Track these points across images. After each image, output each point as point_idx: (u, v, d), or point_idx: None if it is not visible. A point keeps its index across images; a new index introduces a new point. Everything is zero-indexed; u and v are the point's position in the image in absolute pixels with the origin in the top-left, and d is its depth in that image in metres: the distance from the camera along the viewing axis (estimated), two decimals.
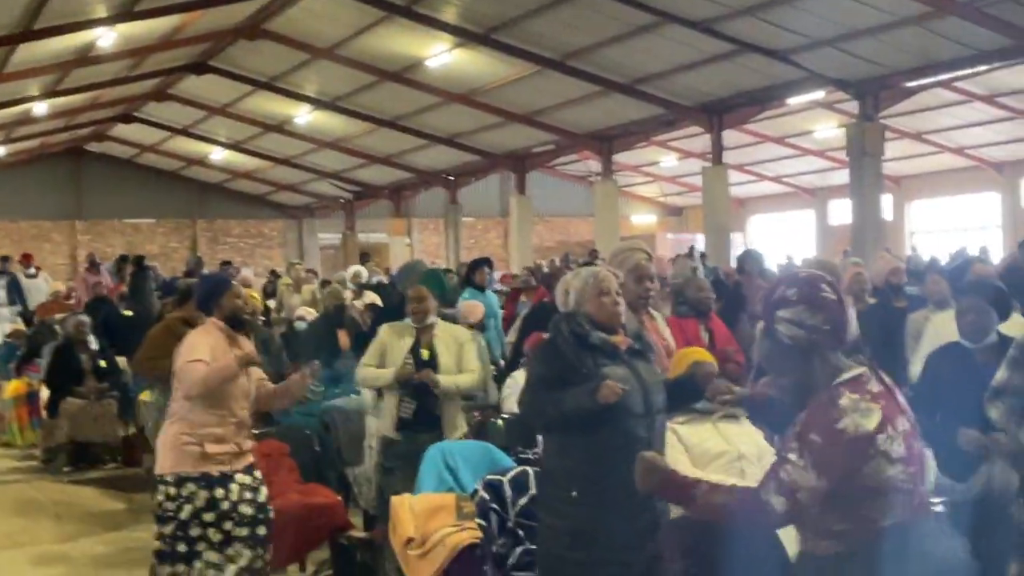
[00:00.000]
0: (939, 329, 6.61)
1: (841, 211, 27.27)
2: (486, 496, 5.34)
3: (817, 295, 3.17)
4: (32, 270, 19.46)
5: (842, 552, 3.03)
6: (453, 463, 6.08)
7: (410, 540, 5.40)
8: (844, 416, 2.97)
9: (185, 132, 28.14)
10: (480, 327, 10.40)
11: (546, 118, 22.59)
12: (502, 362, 10.92)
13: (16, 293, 18.20)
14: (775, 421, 4.84)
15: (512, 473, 5.46)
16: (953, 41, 15.23)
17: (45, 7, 14.35)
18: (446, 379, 6.65)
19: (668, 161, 30.27)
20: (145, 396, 9.82)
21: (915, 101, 19.52)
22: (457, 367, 6.77)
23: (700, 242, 23.86)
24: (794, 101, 20.21)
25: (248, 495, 5.79)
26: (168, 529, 5.71)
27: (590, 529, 4.27)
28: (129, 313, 14.12)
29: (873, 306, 8.49)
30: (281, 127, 26.18)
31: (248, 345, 5.97)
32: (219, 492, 5.69)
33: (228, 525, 5.71)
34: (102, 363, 11.80)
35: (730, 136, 21.12)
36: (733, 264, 14.63)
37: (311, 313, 12.30)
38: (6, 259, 19.16)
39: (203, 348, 5.68)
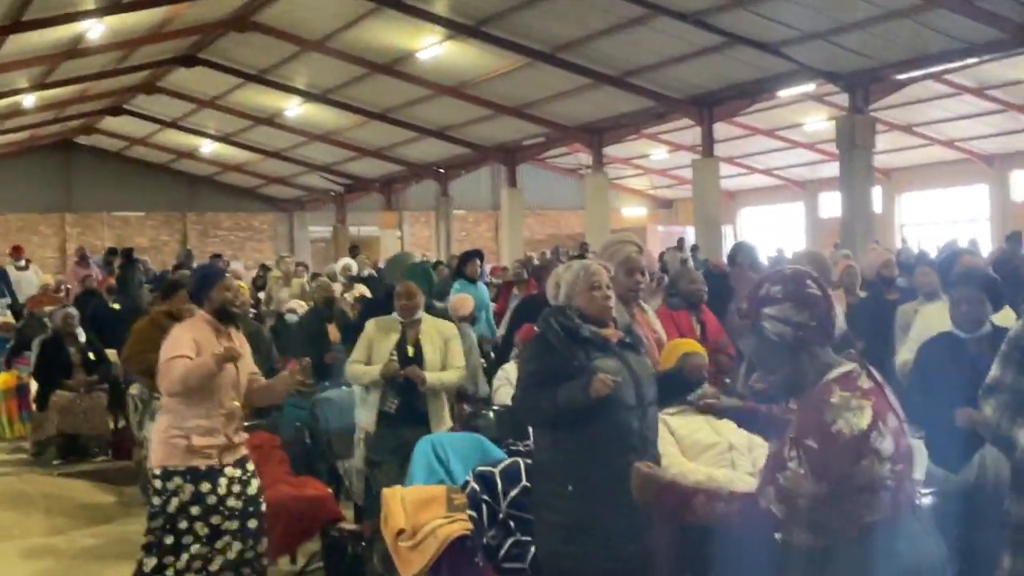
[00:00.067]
0: (928, 320, 6.61)
1: (831, 204, 27.29)
2: (477, 487, 5.34)
3: (803, 291, 3.16)
4: (22, 262, 19.42)
5: (826, 546, 3.04)
6: (444, 455, 6.07)
7: (401, 532, 5.39)
8: (838, 417, 2.96)
9: (175, 125, 28.06)
10: (471, 320, 10.41)
11: (536, 111, 22.59)
12: (492, 355, 10.92)
13: (5, 285, 18.14)
14: (762, 430, 4.86)
15: (503, 464, 5.46)
16: (943, 34, 15.26)
17: None
18: (432, 376, 6.64)
19: (658, 154, 30.27)
20: (133, 390, 9.79)
21: (905, 94, 19.53)
22: (442, 363, 6.76)
23: (690, 235, 23.88)
24: (784, 94, 20.24)
25: (237, 488, 5.73)
26: (157, 523, 5.68)
27: (586, 523, 4.28)
28: (117, 306, 14.09)
29: (865, 299, 8.50)
30: (271, 120, 26.13)
31: (239, 338, 5.93)
32: (205, 486, 5.64)
33: (216, 519, 5.67)
34: (91, 356, 11.76)
35: (720, 129, 21.14)
36: (724, 257, 14.63)
37: (302, 306, 12.29)
38: None
39: (186, 343, 5.62)
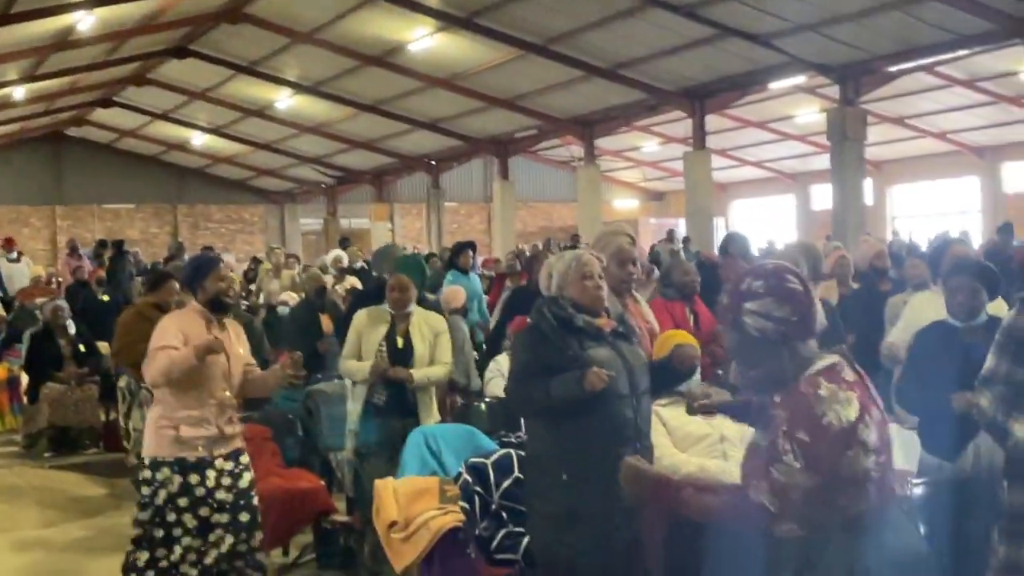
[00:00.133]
0: (917, 309, 6.61)
1: (822, 196, 27.37)
2: (469, 479, 5.33)
3: (784, 286, 3.14)
4: (14, 254, 19.37)
5: (814, 538, 3.04)
6: (436, 446, 6.07)
7: (393, 523, 5.39)
8: (828, 410, 2.96)
9: (165, 117, 28.00)
10: (463, 312, 10.40)
11: (528, 103, 22.58)
12: (484, 347, 10.91)
13: None
14: (755, 423, 4.85)
15: (496, 456, 5.46)
16: (934, 26, 15.27)
17: None
18: (419, 374, 6.60)
19: (650, 146, 30.29)
20: (121, 382, 9.79)
21: (896, 86, 19.56)
22: (431, 356, 6.75)
23: (682, 227, 23.90)
24: (776, 86, 20.26)
25: (227, 481, 5.67)
26: (146, 515, 5.64)
27: (580, 512, 4.28)
28: (105, 297, 14.07)
29: (857, 290, 8.51)
30: (262, 112, 26.08)
31: (234, 328, 5.88)
32: (193, 478, 5.59)
33: (204, 511, 5.62)
34: (81, 348, 11.74)
35: (712, 121, 21.15)
36: (716, 249, 14.64)
37: (293, 298, 12.27)
38: None
39: (172, 333, 5.56)
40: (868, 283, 8.69)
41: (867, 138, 17.61)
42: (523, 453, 5.06)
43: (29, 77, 20.96)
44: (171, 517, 5.59)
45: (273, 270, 16.19)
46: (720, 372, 7.27)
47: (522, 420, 5.22)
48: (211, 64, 22.59)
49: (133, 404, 8.92)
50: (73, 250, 19.55)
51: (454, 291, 10.51)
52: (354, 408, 6.77)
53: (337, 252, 16.08)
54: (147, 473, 5.64)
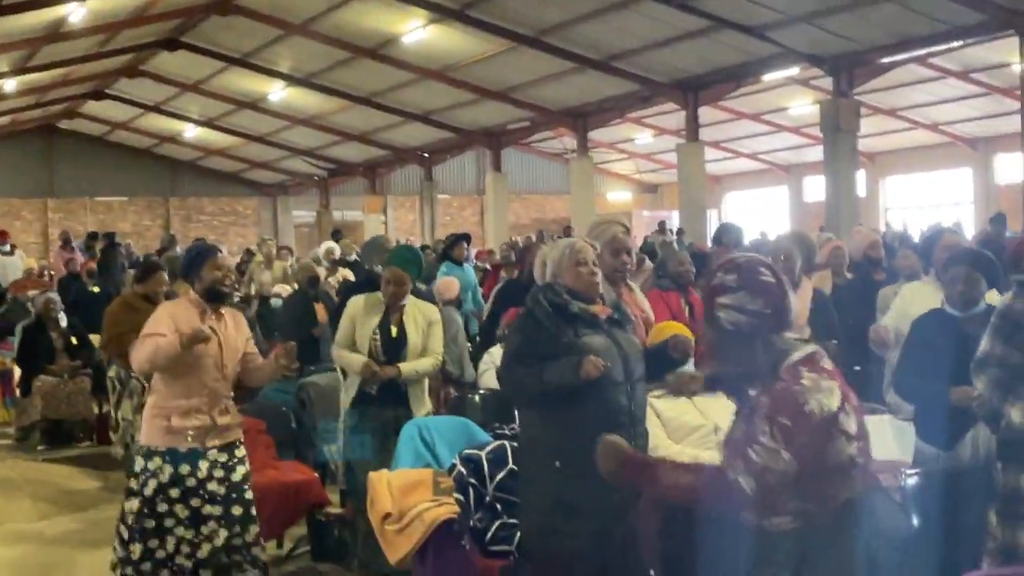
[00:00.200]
0: (907, 300, 6.60)
1: (816, 188, 27.35)
2: (464, 471, 5.33)
3: (757, 279, 3.14)
4: (7, 247, 19.31)
5: (801, 529, 3.05)
6: (430, 438, 6.05)
7: (388, 515, 5.38)
8: (810, 398, 2.97)
9: (157, 109, 27.93)
10: (456, 303, 10.39)
11: (521, 95, 22.55)
12: (477, 338, 10.92)
13: None
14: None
15: (490, 447, 5.45)
16: (927, 17, 15.28)
17: None
18: (407, 367, 6.57)
19: (643, 138, 30.28)
20: (111, 372, 9.76)
21: (889, 77, 19.58)
22: (423, 346, 6.74)
23: (675, 219, 23.91)
24: (769, 78, 20.26)
25: (219, 473, 5.62)
26: (132, 505, 5.58)
27: (573, 499, 4.27)
28: (96, 289, 14.03)
29: (852, 280, 8.52)
30: (255, 104, 26.02)
31: (233, 318, 5.82)
32: (184, 468, 5.54)
33: (196, 502, 5.57)
34: (73, 341, 11.72)
35: (705, 113, 21.15)
36: (709, 241, 14.64)
37: (286, 290, 12.26)
38: None
39: (163, 321, 5.52)
40: (862, 273, 8.70)
41: (860, 130, 17.62)
42: (517, 444, 5.05)
43: (20, 69, 20.90)
44: (162, 508, 5.54)
45: (265, 261, 16.16)
46: None
47: (516, 411, 5.22)
48: (203, 56, 22.53)
49: (123, 394, 8.89)
50: (66, 242, 19.48)
51: (447, 282, 10.50)
52: (346, 399, 6.76)
53: (329, 244, 16.04)
54: (140, 462, 5.62)
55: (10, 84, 22.05)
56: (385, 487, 5.53)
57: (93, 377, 11.52)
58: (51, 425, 11.38)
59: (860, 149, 18.65)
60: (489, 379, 7.54)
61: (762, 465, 2.95)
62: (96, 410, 11.61)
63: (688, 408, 5.23)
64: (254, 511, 5.78)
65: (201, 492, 5.58)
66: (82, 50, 20.83)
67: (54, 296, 12.18)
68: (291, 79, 23.69)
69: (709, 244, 13.76)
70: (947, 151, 27.58)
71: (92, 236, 20.63)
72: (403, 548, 5.27)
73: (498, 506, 5.23)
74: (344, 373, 6.97)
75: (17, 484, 9.79)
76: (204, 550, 5.60)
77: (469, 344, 10.25)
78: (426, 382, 6.93)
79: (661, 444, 5.02)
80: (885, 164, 29.50)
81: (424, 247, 17.09)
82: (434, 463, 5.87)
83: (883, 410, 6.60)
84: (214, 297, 5.67)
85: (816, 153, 22.28)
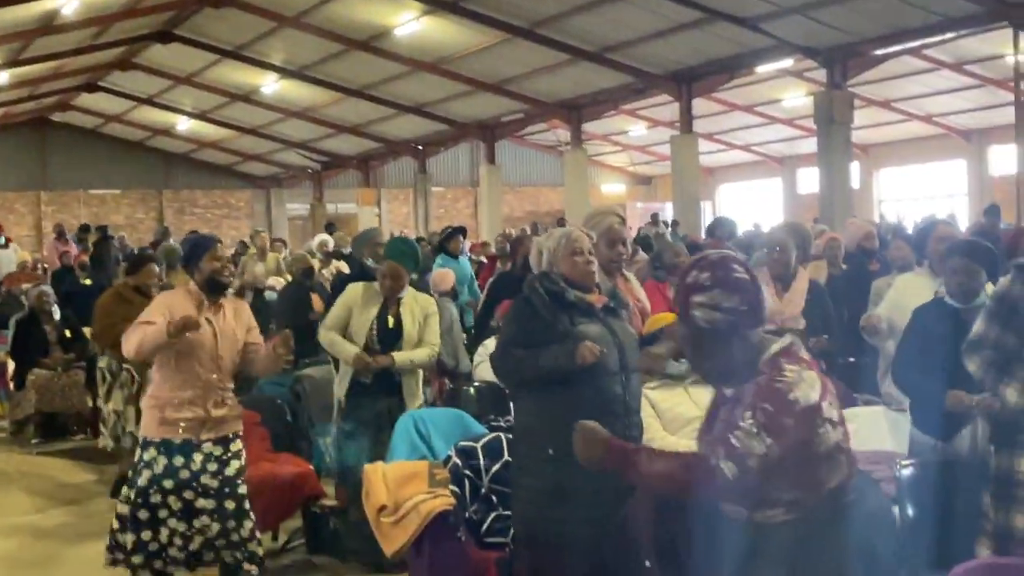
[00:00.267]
0: (900, 291, 6.61)
1: (809, 179, 27.38)
2: (459, 462, 5.34)
3: (731, 276, 3.14)
4: (2, 240, 19.29)
5: (793, 519, 3.06)
6: (425, 430, 6.06)
7: (383, 507, 5.38)
8: (794, 387, 2.98)
9: (150, 102, 27.89)
10: (451, 295, 10.40)
11: (515, 87, 22.53)
12: (474, 331, 10.91)
13: None
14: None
15: (485, 439, 5.46)
16: (921, 8, 15.27)
17: None
18: (401, 356, 6.57)
19: (637, 130, 30.28)
20: (102, 363, 9.73)
21: (883, 69, 19.57)
22: (419, 337, 6.73)
23: (669, 211, 23.90)
24: (763, 69, 20.26)
25: (213, 467, 5.59)
26: (130, 495, 5.57)
27: (567, 487, 4.28)
28: (88, 282, 14.00)
29: (846, 271, 8.54)
30: (248, 96, 25.99)
31: (235, 308, 5.78)
32: (178, 460, 5.52)
33: (188, 494, 5.55)
34: (67, 333, 11.69)
35: (699, 105, 21.15)
36: (703, 233, 14.67)
37: (280, 282, 12.24)
38: None
39: (157, 310, 5.49)
40: (857, 264, 8.71)
41: (854, 121, 17.62)
42: (512, 431, 5.05)
43: (13, 62, 20.85)
44: (155, 499, 5.52)
45: (258, 253, 16.13)
46: None
47: (511, 402, 5.22)
48: (196, 49, 22.49)
49: (114, 385, 8.86)
50: (60, 235, 19.49)
51: (442, 274, 10.51)
52: (340, 390, 6.76)
53: (323, 237, 16.03)
54: (138, 452, 5.62)
55: (2, 76, 22.00)
56: (381, 479, 5.53)
57: (87, 370, 11.50)
58: (45, 418, 11.35)
59: (854, 141, 18.67)
60: (484, 371, 7.53)
61: (743, 449, 2.95)
62: (90, 403, 11.57)
63: (683, 399, 5.23)
64: (247, 506, 5.74)
65: (194, 485, 5.56)
66: (75, 42, 20.77)
67: (47, 289, 12.15)
68: (284, 71, 23.65)
69: (703, 236, 13.80)
70: (941, 143, 27.60)
71: (84, 229, 20.62)
72: (399, 540, 5.27)
73: (494, 498, 5.24)
74: (337, 365, 6.96)
75: (11, 477, 9.77)
76: (196, 543, 5.59)
77: (464, 335, 10.25)
78: (420, 373, 6.93)
79: (656, 435, 5.02)
80: (879, 156, 29.52)
81: (419, 239, 17.09)
82: (429, 455, 5.87)
83: (877, 401, 6.61)
84: (213, 288, 5.64)
85: (810, 145, 22.31)
